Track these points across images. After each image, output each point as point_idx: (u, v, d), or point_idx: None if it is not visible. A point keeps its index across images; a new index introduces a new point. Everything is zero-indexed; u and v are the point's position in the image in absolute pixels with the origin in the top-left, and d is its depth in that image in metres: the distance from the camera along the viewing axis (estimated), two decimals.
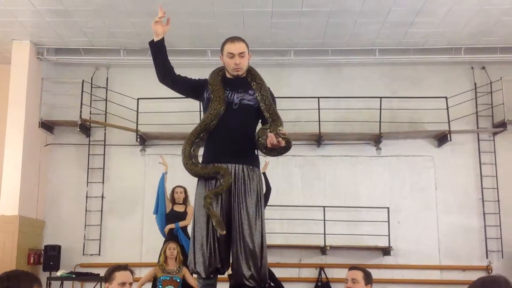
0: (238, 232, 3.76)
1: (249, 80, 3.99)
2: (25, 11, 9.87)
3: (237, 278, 3.79)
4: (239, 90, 3.89)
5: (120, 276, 4.16)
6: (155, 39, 3.86)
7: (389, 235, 10.92)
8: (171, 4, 9.12)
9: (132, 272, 4.30)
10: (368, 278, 4.64)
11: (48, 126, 11.57)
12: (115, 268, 4.26)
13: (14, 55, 11.06)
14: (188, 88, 4.02)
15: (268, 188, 8.53)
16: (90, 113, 11.59)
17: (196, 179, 3.97)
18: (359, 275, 4.63)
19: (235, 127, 3.86)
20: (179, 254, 7.83)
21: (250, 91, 3.93)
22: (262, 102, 3.93)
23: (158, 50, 3.87)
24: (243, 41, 3.93)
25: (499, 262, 11.08)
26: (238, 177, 3.82)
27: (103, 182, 11.60)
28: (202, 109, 4.05)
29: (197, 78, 4.10)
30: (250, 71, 4.04)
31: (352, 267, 4.79)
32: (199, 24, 10.08)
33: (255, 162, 3.95)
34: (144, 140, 11.57)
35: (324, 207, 11.05)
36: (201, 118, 3.87)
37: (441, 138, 11.39)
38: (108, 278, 4.21)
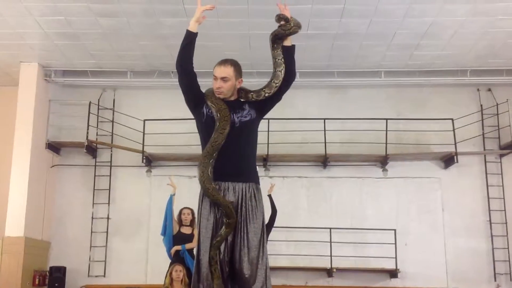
0: (245, 254, 3.73)
1: (242, 99, 3.96)
2: (34, 34, 9.98)
3: None
4: (237, 110, 3.88)
5: None
6: (194, 30, 3.92)
7: (396, 258, 10.84)
8: (178, 26, 9.21)
9: None
10: None
11: (55, 147, 11.62)
12: None
13: (22, 77, 11.16)
14: (195, 88, 3.96)
15: (274, 211, 8.47)
16: (97, 134, 11.64)
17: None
18: None
19: (240, 146, 3.85)
20: (185, 276, 7.79)
21: (244, 106, 3.92)
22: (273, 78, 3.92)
23: (192, 40, 3.93)
24: (232, 65, 3.86)
25: (507, 285, 10.97)
26: (245, 196, 3.79)
27: (108, 203, 11.61)
28: (198, 124, 3.96)
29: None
30: (243, 89, 4.00)
31: None
32: (206, 47, 10.13)
33: (258, 180, 3.95)
34: (150, 161, 11.59)
35: (330, 228, 11.00)
36: (212, 138, 3.80)
37: (448, 160, 11.36)
38: None
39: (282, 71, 3.89)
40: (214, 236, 3.72)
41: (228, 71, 3.83)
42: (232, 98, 3.94)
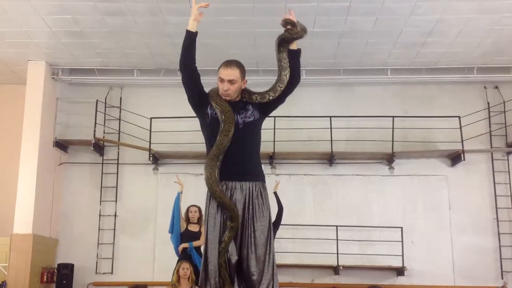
0: (252, 252, 3.75)
1: (244, 99, 3.98)
2: (41, 33, 10.03)
3: None
4: (240, 111, 3.90)
5: None
6: (193, 30, 3.94)
7: (402, 255, 10.83)
8: (184, 24, 9.20)
9: None
10: None
11: (62, 145, 11.69)
12: (135, 287, 4.31)
13: (30, 76, 11.22)
14: (198, 88, 3.98)
15: (280, 208, 8.48)
16: (104, 132, 11.70)
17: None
18: None
19: (245, 146, 3.87)
20: (192, 273, 7.83)
21: (247, 106, 3.94)
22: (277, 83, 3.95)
23: (192, 40, 3.94)
24: (238, 67, 3.86)
25: None
26: (252, 195, 3.82)
27: (116, 201, 11.66)
28: (202, 124, 3.96)
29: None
30: (247, 90, 4.02)
31: (371, 287, 4.71)
32: (212, 45, 10.16)
33: (264, 178, 3.97)
34: (156, 159, 11.64)
35: (336, 226, 11.01)
36: (217, 140, 3.78)
37: (455, 158, 11.34)
38: None
39: (287, 75, 3.92)
40: (222, 234, 3.75)
41: (235, 73, 3.83)
42: (237, 99, 3.96)
